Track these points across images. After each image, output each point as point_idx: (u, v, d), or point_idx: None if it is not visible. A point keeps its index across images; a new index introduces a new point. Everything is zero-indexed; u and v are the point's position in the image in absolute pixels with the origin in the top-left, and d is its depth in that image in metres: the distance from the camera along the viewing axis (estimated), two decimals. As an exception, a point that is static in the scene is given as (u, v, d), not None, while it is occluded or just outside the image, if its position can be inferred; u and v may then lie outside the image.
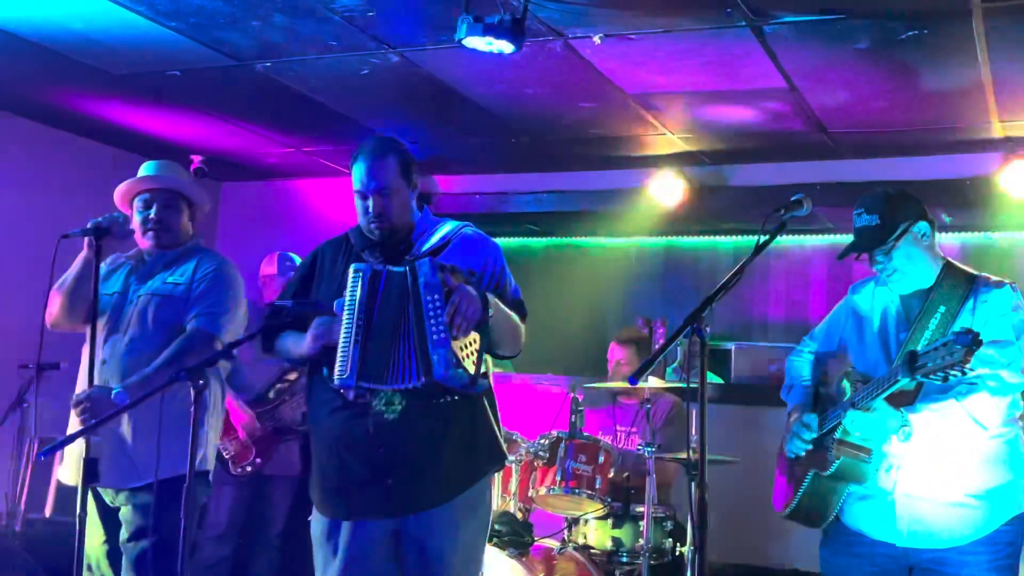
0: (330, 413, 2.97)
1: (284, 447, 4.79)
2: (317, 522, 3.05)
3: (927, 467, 2.90)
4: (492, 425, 3.09)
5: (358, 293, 2.85)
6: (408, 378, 2.82)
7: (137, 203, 3.64)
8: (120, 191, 3.66)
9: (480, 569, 3.14)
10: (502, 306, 2.98)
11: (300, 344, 2.98)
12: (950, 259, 3.09)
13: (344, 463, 2.95)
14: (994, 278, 3.02)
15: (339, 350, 2.82)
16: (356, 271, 2.88)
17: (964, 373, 2.60)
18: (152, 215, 3.61)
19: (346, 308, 2.85)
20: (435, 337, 2.79)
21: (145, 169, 3.70)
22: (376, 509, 2.94)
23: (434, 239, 3.09)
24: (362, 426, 2.90)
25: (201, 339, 3.46)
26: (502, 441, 3.14)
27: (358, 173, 3.01)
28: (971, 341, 2.56)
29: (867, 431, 2.86)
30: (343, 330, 2.83)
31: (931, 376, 2.64)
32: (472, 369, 2.85)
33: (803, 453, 3.05)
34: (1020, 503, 2.95)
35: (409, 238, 3.09)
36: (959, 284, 2.98)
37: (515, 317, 3.06)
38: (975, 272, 3.05)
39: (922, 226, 2.99)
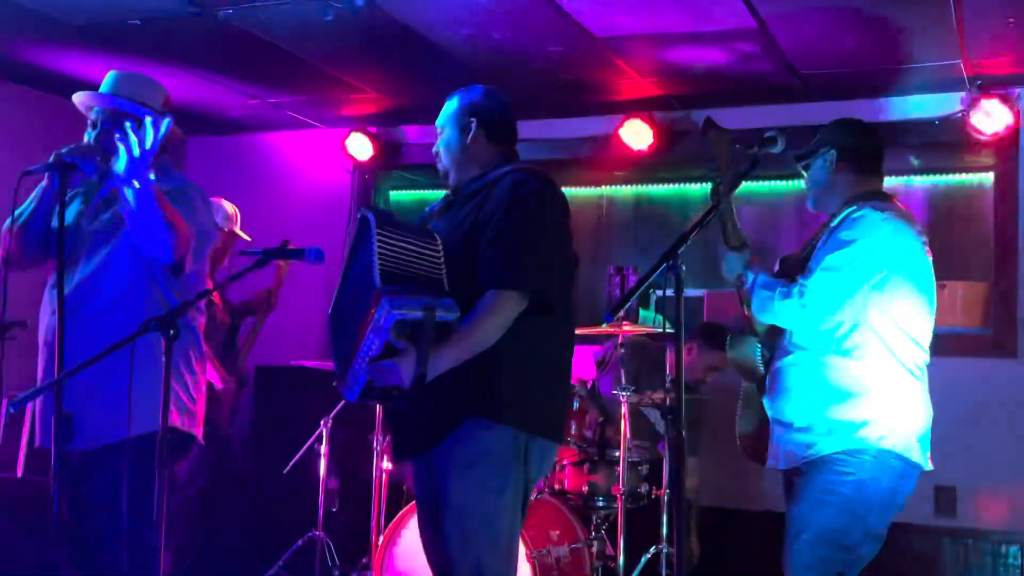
0: None
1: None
2: None
3: (779, 393, 3.04)
4: (478, 373, 2.72)
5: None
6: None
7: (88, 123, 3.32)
8: (78, 102, 3.38)
9: (495, 528, 2.75)
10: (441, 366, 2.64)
11: None
12: (865, 192, 3.06)
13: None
14: (865, 205, 2.98)
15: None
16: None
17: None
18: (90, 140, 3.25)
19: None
20: (358, 366, 2.66)
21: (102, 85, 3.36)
22: (394, 453, 3.14)
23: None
24: None
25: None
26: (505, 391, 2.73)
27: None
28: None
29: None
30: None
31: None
32: (361, 399, 2.74)
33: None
34: (868, 437, 2.87)
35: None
36: (840, 209, 3.07)
37: (473, 344, 2.68)
38: (866, 202, 3.01)
39: (832, 154, 3.12)
